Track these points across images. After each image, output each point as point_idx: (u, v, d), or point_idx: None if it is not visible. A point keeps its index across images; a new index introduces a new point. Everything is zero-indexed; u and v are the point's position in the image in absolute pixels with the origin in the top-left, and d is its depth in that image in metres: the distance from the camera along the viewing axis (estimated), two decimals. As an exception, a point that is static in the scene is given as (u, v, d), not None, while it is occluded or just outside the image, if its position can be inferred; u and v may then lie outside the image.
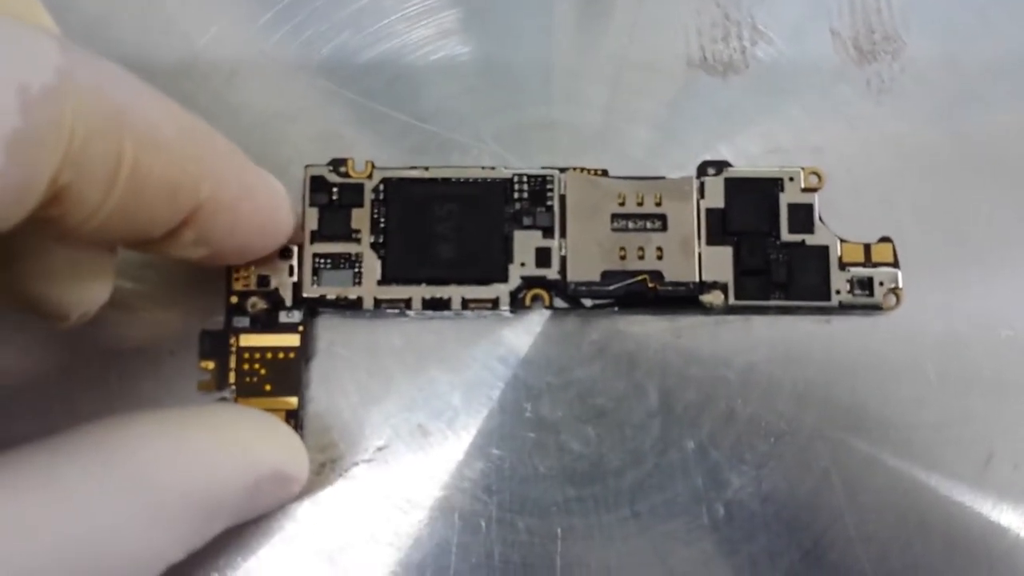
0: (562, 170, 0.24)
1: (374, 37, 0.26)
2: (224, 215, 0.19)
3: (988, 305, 0.25)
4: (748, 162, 0.26)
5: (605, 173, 0.24)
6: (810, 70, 0.27)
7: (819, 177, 0.25)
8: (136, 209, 0.16)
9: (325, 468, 0.24)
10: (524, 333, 0.25)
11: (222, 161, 0.19)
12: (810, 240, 0.24)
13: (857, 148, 0.26)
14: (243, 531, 0.23)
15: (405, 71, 0.26)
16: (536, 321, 0.25)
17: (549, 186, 0.24)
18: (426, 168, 0.24)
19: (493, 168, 0.24)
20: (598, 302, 0.24)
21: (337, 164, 0.24)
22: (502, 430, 0.24)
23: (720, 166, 0.25)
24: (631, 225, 0.24)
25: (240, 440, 0.19)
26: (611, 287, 0.23)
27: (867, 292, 0.24)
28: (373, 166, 0.24)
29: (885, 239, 0.25)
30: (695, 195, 0.24)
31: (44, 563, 0.15)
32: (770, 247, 0.24)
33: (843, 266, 0.24)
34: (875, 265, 0.24)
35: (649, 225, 0.24)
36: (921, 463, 0.24)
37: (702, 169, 0.25)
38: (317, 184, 0.24)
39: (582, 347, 0.25)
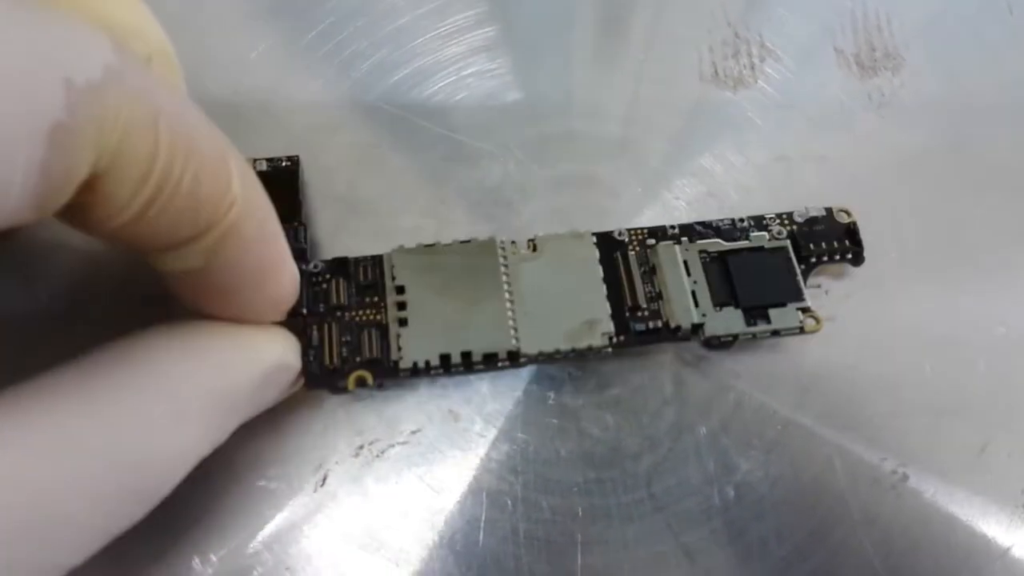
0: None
1: (410, 54, 0.28)
2: (239, 243, 0.19)
3: (984, 304, 0.27)
4: (756, 170, 0.28)
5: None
6: (815, 85, 0.29)
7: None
8: (160, 215, 0.16)
9: (363, 450, 0.26)
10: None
11: (253, 192, 0.19)
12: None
13: (859, 157, 0.28)
14: (287, 507, 0.25)
15: (437, 86, 0.28)
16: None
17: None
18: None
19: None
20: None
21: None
22: (527, 416, 0.26)
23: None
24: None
25: (246, 339, 0.21)
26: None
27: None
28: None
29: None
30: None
31: (91, 472, 0.16)
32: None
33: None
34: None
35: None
36: (919, 451, 0.26)
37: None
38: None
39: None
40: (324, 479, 0.25)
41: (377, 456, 0.25)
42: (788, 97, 0.28)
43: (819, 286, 0.27)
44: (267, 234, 0.20)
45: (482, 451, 0.26)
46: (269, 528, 0.25)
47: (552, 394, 0.26)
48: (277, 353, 0.22)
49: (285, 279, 0.22)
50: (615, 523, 0.25)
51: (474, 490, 0.25)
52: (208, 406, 0.19)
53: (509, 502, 0.25)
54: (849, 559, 0.25)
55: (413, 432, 0.26)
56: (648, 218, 0.27)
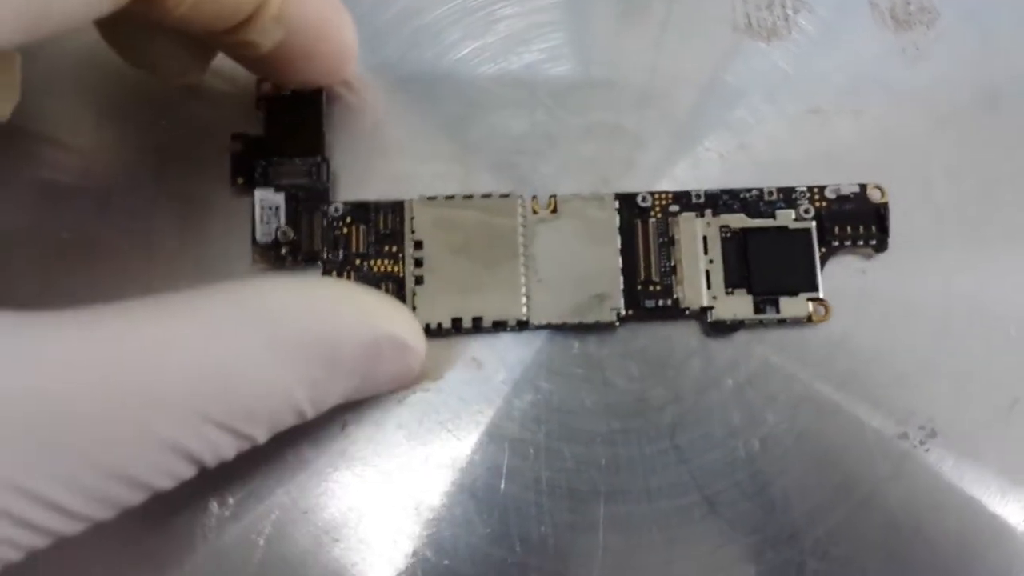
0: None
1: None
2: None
3: (1017, 266, 0.27)
4: (788, 123, 0.27)
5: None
6: (849, 38, 0.28)
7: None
8: None
9: (384, 396, 0.25)
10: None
11: None
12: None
13: (893, 111, 0.28)
14: (306, 450, 0.25)
15: (462, 31, 0.28)
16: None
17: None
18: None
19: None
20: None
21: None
22: (551, 365, 0.26)
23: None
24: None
25: (360, 301, 0.21)
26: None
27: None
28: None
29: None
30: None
31: (184, 376, 0.17)
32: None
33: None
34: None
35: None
36: (947, 411, 0.26)
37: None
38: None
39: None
40: (344, 424, 0.25)
41: (399, 402, 0.25)
42: (822, 50, 0.28)
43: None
44: None
45: (505, 399, 0.25)
46: (288, 471, 0.25)
47: (577, 344, 0.26)
48: (393, 327, 0.21)
49: (346, 27, 0.24)
50: (638, 474, 0.25)
51: (496, 438, 0.25)
52: (307, 347, 0.19)
53: (531, 450, 0.25)
54: (872, 515, 0.25)
55: (436, 380, 0.25)
56: (676, 171, 0.27)
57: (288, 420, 0.20)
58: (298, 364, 0.19)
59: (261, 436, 0.19)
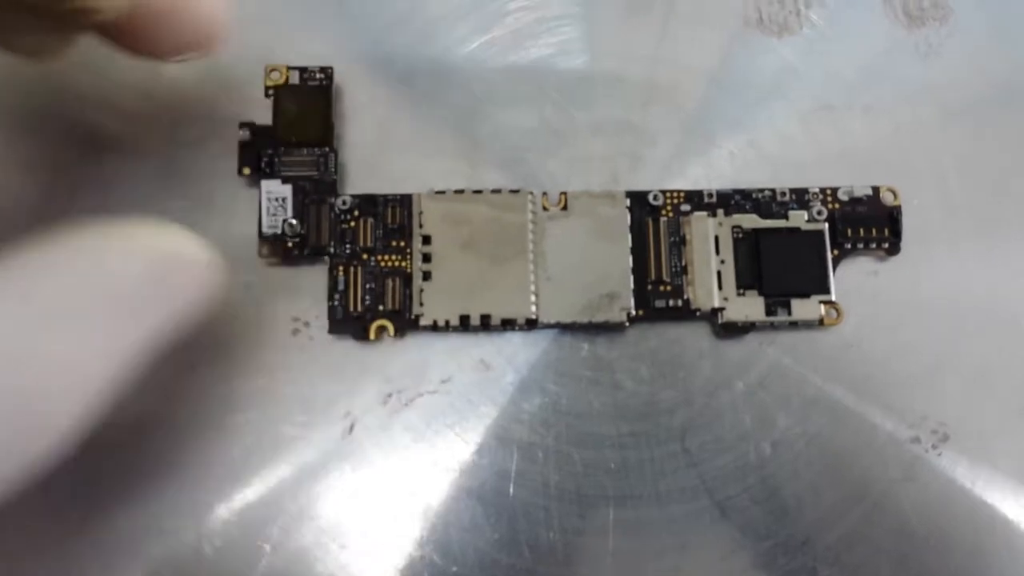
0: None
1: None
2: None
3: (1029, 263, 0.26)
4: (800, 119, 0.27)
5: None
6: (861, 33, 0.28)
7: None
8: None
9: (391, 398, 0.25)
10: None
11: None
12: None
13: (905, 108, 0.27)
14: (312, 455, 0.24)
15: (470, 27, 0.27)
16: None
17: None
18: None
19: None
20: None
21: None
22: (559, 367, 0.25)
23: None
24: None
25: (119, 233, 0.18)
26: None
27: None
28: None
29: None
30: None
31: None
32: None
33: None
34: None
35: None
36: (960, 413, 0.25)
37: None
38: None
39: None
40: (351, 427, 0.25)
41: (406, 405, 0.25)
42: (833, 45, 0.27)
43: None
44: None
45: (513, 402, 0.25)
46: (294, 476, 0.24)
47: (586, 345, 0.25)
48: (161, 244, 0.19)
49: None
50: (648, 478, 0.25)
51: (504, 441, 0.25)
52: (82, 305, 0.17)
53: (540, 454, 0.25)
54: (885, 519, 0.24)
55: (443, 381, 0.25)
56: (686, 168, 0.26)
57: (89, 382, 0.17)
58: (79, 325, 0.17)
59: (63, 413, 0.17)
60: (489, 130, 0.27)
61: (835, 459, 0.25)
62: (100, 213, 0.25)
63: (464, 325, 0.24)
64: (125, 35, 0.21)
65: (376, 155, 0.26)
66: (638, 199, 0.25)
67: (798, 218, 0.25)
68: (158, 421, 0.24)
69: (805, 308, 0.25)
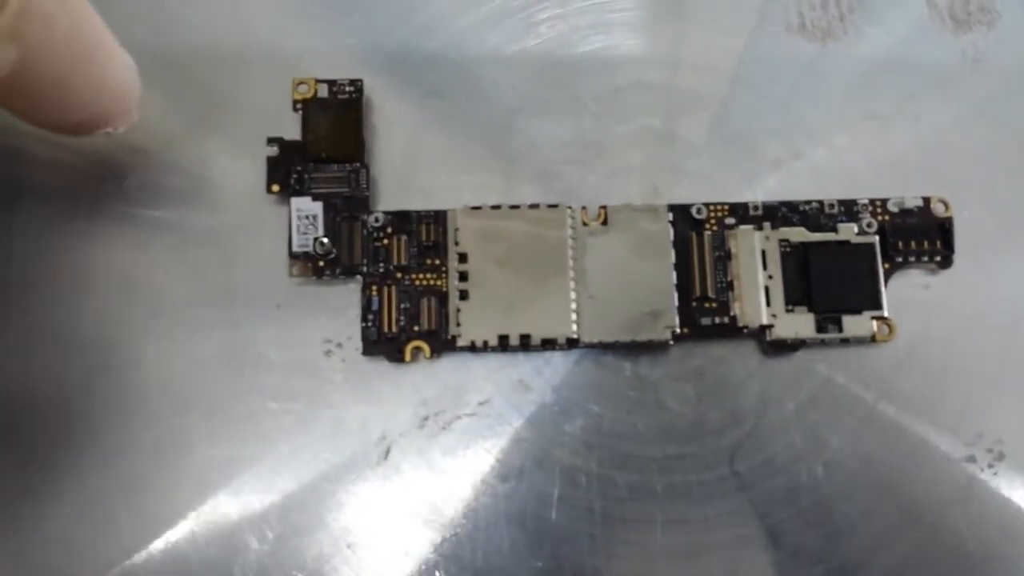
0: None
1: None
2: (43, 21, 0.16)
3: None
4: (845, 128, 0.26)
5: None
6: (907, 39, 0.27)
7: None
8: None
9: (428, 422, 0.24)
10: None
11: None
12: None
13: (953, 116, 0.26)
14: (348, 481, 0.23)
15: (505, 33, 0.27)
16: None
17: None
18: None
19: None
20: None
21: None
22: (602, 388, 0.24)
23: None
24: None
25: None
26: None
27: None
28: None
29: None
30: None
31: None
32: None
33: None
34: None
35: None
36: (1016, 430, 0.24)
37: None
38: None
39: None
40: (387, 451, 0.24)
41: (443, 428, 0.24)
42: (878, 51, 0.27)
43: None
44: (74, 9, 0.18)
45: (554, 424, 0.24)
46: (329, 503, 0.23)
47: (629, 365, 0.24)
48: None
49: (113, 63, 0.20)
50: (696, 502, 0.24)
51: (545, 465, 0.24)
52: None
53: (583, 478, 0.24)
54: (942, 541, 0.24)
55: (481, 403, 0.24)
56: (730, 179, 0.25)
57: None
58: None
59: None
60: (524, 143, 0.26)
61: (889, 480, 0.24)
62: (124, 234, 0.25)
63: (503, 345, 0.24)
64: (12, 96, 0.18)
65: (408, 170, 0.25)
66: (681, 212, 0.25)
67: (848, 231, 0.24)
68: (191, 442, 0.23)
69: (857, 324, 0.24)
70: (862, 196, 0.25)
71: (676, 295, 0.24)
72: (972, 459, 0.24)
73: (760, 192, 0.25)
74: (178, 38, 0.26)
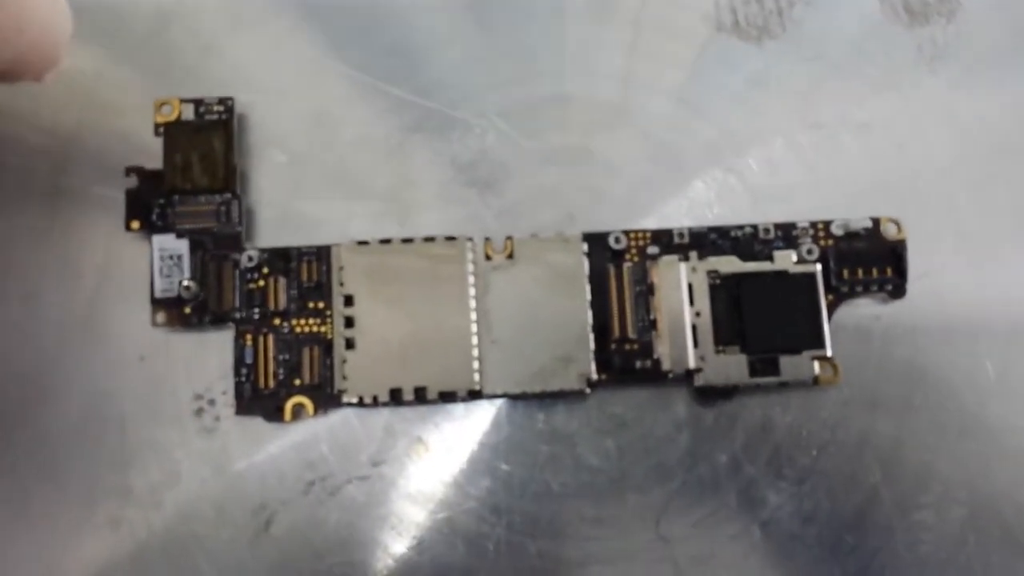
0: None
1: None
2: None
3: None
4: (785, 140, 0.23)
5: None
6: (854, 35, 0.24)
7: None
8: None
9: (314, 487, 0.21)
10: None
11: None
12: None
13: (908, 121, 0.24)
14: (220, 557, 0.21)
15: (403, 40, 0.24)
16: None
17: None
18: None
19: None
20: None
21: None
22: (511, 443, 0.22)
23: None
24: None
25: None
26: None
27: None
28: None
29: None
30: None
31: None
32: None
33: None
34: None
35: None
36: (979, 470, 0.22)
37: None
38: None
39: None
40: (267, 524, 0.21)
41: (331, 494, 0.22)
42: (822, 50, 0.24)
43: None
44: None
45: (457, 487, 0.22)
46: (200, 584, 0.20)
47: (542, 416, 0.22)
48: None
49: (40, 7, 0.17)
50: (619, 572, 0.21)
51: (446, 533, 0.22)
52: None
53: (490, 547, 0.22)
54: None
55: (374, 465, 0.22)
56: (654, 202, 0.23)
57: None
58: None
59: None
60: (421, 164, 0.23)
61: (835, 540, 0.21)
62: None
63: (396, 400, 0.21)
64: None
65: (289, 199, 0.23)
66: (597, 242, 0.22)
67: (785, 259, 0.22)
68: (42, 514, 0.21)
69: (797, 366, 0.21)
70: (802, 219, 0.22)
71: (592, 337, 0.22)
72: (929, 508, 0.22)
73: (688, 217, 0.23)
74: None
